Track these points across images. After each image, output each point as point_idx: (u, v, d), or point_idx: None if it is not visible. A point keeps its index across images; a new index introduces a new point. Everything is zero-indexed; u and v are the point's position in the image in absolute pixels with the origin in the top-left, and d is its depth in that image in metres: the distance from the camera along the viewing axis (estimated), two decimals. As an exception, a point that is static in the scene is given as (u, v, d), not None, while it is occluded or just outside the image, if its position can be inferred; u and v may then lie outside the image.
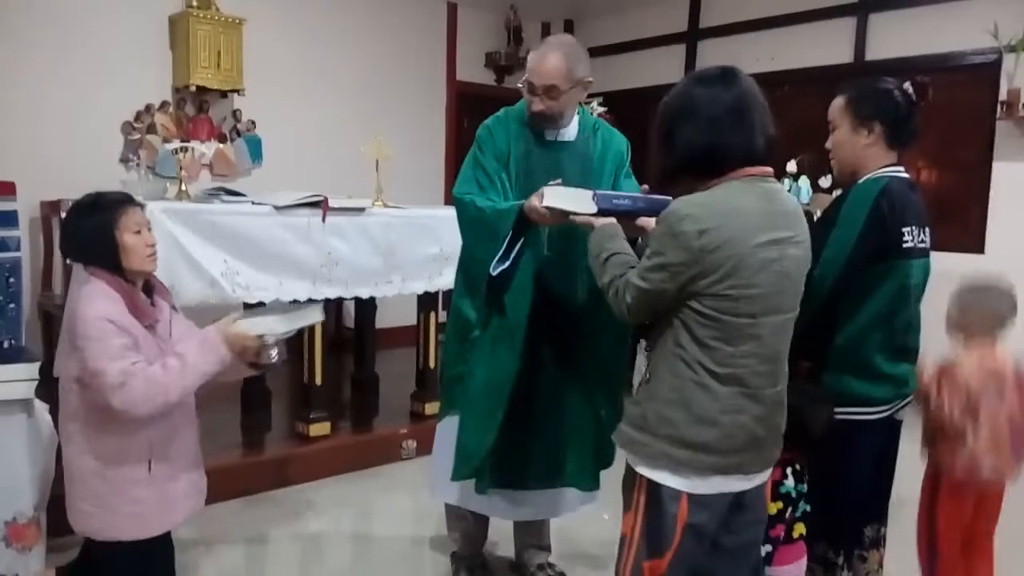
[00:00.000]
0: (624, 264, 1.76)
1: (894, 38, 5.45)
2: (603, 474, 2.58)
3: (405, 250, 4.02)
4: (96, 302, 1.94)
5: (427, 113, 6.89)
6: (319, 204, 3.73)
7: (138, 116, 5.31)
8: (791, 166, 5.09)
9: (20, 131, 4.78)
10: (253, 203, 3.70)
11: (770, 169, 1.71)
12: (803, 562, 2.17)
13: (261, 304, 3.37)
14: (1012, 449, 2.14)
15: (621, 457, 1.84)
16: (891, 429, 2.21)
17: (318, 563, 3.04)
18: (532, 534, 2.83)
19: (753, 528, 1.81)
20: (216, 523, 3.18)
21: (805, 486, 2.13)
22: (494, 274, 2.30)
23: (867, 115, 2.11)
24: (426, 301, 4.29)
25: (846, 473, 2.11)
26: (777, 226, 1.65)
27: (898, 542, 2.36)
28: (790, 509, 2.10)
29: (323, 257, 3.73)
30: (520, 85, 2.42)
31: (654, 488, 1.69)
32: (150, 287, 2.13)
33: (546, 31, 7.68)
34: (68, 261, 3.53)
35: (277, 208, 3.64)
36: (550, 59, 2.33)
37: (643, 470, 1.71)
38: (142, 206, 2.15)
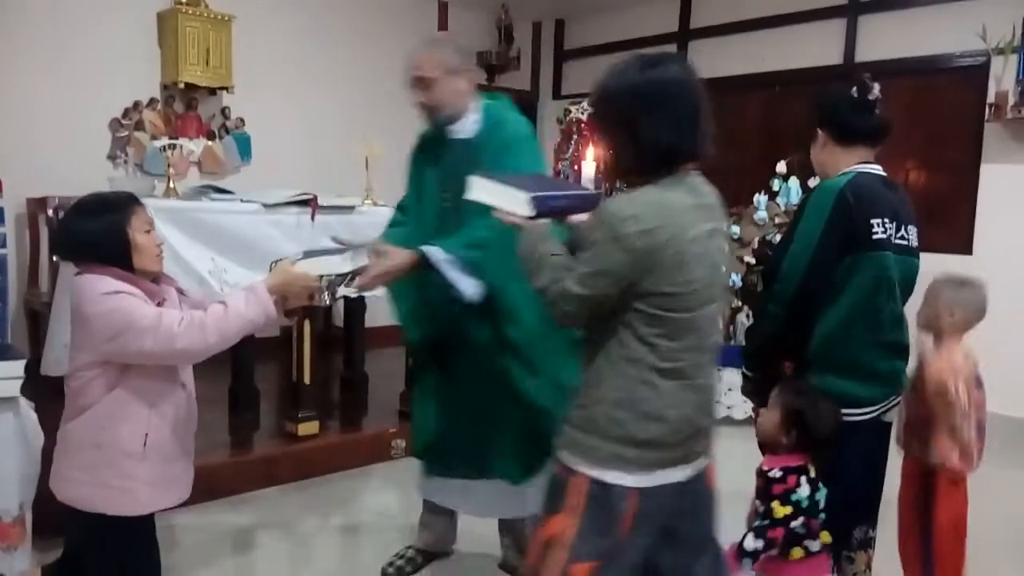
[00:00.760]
0: (559, 267, 1.68)
1: (884, 40, 5.48)
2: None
3: (395, 249, 4.01)
4: (104, 280, 1.93)
5: (417, 111, 6.85)
6: (308, 202, 3.71)
7: (126, 113, 5.27)
8: (781, 167, 5.09)
9: (5, 128, 4.73)
10: (242, 201, 3.69)
11: (696, 162, 1.71)
12: None
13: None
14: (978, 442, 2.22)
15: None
16: (879, 430, 2.21)
17: (307, 562, 3.03)
18: (508, 534, 2.82)
19: (702, 515, 1.78)
20: (205, 522, 3.16)
21: (821, 494, 2.07)
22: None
23: (814, 123, 2.23)
24: (416, 300, 4.27)
25: (833, 474, 2.11)
26: (705, 219, 1.66)
27: (886, 543, 2.37)
28: (801, 518, 2.04)
29: (312, 255, 3.70)
30: None
31: (599, 488, 1.65)
32: (156, 276, 2.11)
33: (537, 31, 7.69)
34: (56, 258, 3.51)
35: (266, 206, 3.62)
36: (418, 52, 2.44)
37: (588, 471, 1.66)
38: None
